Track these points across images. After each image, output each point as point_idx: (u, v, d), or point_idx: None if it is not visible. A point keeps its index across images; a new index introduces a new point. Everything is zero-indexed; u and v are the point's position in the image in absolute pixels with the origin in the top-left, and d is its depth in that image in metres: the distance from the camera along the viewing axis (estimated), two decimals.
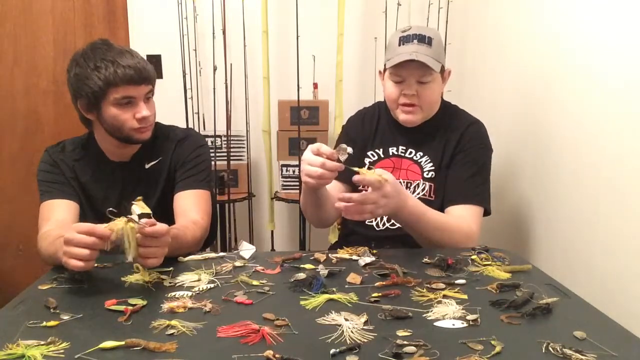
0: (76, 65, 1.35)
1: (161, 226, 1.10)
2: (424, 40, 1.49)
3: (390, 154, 1.62)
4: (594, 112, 1.43)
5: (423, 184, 1.57)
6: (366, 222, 1.60)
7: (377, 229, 1.59)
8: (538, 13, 1.77)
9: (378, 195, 1.24)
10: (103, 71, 1.30)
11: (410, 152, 1.61)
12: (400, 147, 1.62)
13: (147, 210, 1.11)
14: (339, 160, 1.27)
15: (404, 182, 1.58)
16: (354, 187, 1.65)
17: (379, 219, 1.59)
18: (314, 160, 1.28)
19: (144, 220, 1.08)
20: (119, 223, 1.07)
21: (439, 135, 1.59)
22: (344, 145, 1.27)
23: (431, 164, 1.57)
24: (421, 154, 1.59)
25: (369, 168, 1.28)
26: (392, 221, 1.57)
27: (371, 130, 1.67)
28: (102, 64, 1.31)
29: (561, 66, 1.60)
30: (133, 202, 1.14)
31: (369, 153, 1.65)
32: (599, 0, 1.42)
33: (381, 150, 1.64)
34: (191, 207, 1.44)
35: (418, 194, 1.57)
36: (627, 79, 1.28)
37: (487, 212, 1.55)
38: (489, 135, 1.60)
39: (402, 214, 1.34)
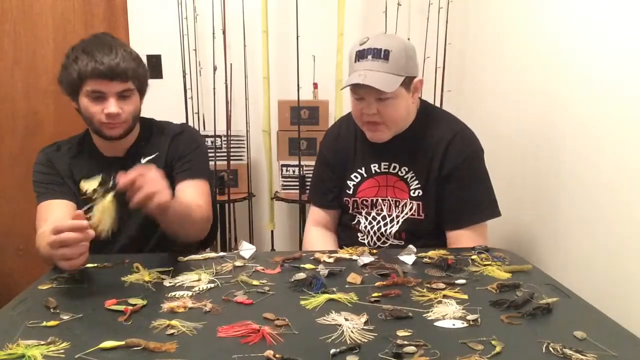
0: (67, 53, 1.39)
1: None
2: (379, 55, 1.36)
3: (374, 172, 1.54)
4: (594, 112, 1.43)
5: (410, 203, 1.50)
6: (358, 239, 1.57)
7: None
8: (538, 13, 1.77)
9: None
10: (79, 63, 1.33)
11: (395, 168, 1.52)
12: (383, 164, 1.53)
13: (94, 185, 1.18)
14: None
15: (392, 199, 1.52)
16: (341, 214, 1.62)
17: (369, 238, 1.55)
18: None
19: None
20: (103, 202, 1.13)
21: (422, 146, 1.49)
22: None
23: (417, 182, 1.49)
24: (406, 169, 1.51)
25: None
26: (383, 239, 1.54)
27: (348, 149, 1.58)
28: (81, 56, 1.34)
29: (561, 66, 1.60)
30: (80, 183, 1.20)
31: (352, 176, 1.56)
32: (598, 1, 1.42)
33: (364, 169, 1.55)
34: (193, 195, 1.44)
35: (406, 213, 1.51)
36: (628, 79, 1.28)
37: (497, 214, 1.49)
38: (476, 136, 1.53)
39: None
